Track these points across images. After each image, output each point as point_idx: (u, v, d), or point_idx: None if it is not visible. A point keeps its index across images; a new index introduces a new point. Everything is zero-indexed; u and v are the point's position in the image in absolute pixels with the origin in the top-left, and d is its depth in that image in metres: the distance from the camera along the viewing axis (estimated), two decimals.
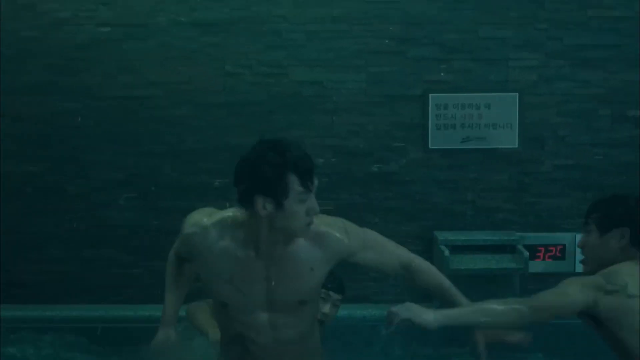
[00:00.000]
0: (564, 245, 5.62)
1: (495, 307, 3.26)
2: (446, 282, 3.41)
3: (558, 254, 5.58)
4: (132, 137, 5.84)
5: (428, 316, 3.17)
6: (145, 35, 5.78)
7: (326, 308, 4.02)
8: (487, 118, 5.64)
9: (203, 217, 3.31)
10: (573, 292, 3.26)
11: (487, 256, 5.28)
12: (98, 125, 5.82)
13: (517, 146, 5.69)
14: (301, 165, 3.14)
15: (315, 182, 3.14)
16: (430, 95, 5.68)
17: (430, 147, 5.73)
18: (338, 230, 3.31)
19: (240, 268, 3.25)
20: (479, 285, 5.14)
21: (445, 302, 3.40)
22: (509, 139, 5.66)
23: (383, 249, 3.40)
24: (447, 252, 5.29)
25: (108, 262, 5.91)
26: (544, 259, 5.60)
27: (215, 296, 3.34)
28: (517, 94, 5.66)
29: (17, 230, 5.86)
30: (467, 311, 3.27)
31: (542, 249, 5.59)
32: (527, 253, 5.32)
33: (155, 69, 5.76)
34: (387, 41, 5.74)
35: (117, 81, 5.80)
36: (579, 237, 3.51)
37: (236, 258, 3.25)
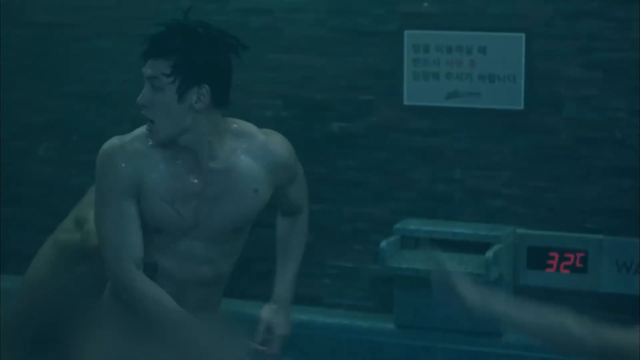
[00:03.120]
0: (586, 253, 4.86)
1: None
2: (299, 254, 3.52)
3: (578, 264, 4.86)
4: (52, 74, 5.55)
5: None
6: None
7: None
8: (481, 67, 5.05)
9: (123, 138, 3.21)
10: None
11: (455, 255, 4.73)
12: (17, 58, 5.58)
13: (522, 107, 4.95)
14: None
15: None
16: (405, 32, 5.14)
17: (405, 103, 5.16)
18: (287, 150, 3.34)
19: (180, 185, 3.20)
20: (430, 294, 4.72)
21: (281, 265, 3.54)
22: (511, 97, 4.99)
23: (301, 186, 3.46)
24: (384, 244, 4.83)
25: (23, 225, 5.80)
26: (557, 269, 4.90)
27: (151, 222, 3.22)
28: (523, 34, 4.98)
29: None
30: None
31: (556, 255, 4.91)
32: (492, 255, 4.73)
33: None
34: None
35: (38, 4, 5.53)
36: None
37: (173, 175, 3.22)
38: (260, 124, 5.30)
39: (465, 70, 5.07)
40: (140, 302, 3.17)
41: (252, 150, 3.24)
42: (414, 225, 4.99)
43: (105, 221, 3.18)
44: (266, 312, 3.56)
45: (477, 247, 4.87)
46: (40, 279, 4.47)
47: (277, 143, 3.28)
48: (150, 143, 3.19)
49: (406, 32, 5.12)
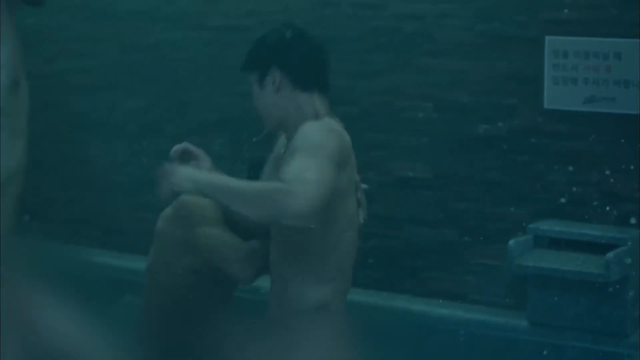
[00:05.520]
0: None
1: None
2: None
3: None
4: (226, 74, 5.55)
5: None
6: None
7: None
8: (617, 72, 4.75)
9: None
10: None
11: (580, 255, 4.55)
12: (196, 59, 5.71)
13: None
14: None
15: None
16: (546, 38, 4.85)
17: (545, 107, 4.89)
18: (304, 131, 3.24)
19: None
20: (561, 293, 4.69)
21: None
22: None
23: (294, 164, 3.14)
24: (512, 243, 4.63)
25: None
26: None
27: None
28: None
29: (118, 172, 5.99)
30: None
31: None
32: (612, 256, 4.44)
33: None
34: None
35: (216, 9, 5.63)
36: None
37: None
38: (412, 125, 5.03)
39: (602, 75, 4.80)
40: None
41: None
42: (546, 225, 4.82)
43: None
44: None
45: (604, 248, 4.63)
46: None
47: (304, 126, 3.19)
48: None
49: (547, 38, 4.90)
